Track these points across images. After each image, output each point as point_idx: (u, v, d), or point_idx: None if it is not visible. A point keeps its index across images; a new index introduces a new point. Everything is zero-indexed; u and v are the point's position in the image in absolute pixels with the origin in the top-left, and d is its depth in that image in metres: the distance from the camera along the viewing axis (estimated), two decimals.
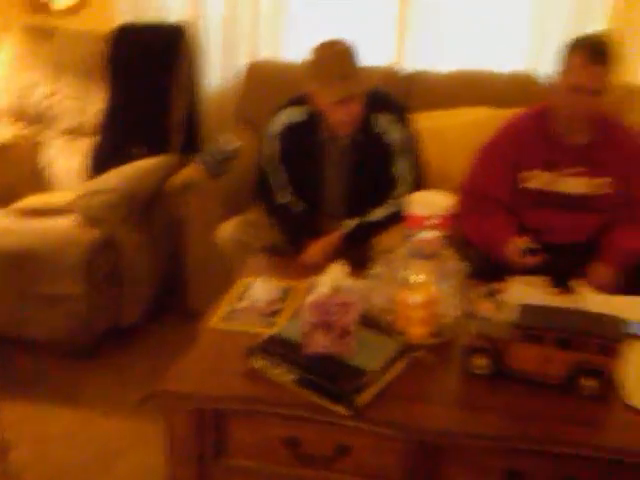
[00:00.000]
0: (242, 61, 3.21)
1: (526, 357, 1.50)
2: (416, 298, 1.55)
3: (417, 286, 1.57)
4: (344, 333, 1.49)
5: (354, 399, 1.39)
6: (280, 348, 1.53)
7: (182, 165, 2.77)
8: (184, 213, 2.62)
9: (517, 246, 2.05)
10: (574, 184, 2.16)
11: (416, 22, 3.10)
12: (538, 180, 2.17)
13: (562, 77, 2.05)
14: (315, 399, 1.43)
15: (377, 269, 1.76)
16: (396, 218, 2.19)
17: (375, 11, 3.16)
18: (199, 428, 1.50)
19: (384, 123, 2.23)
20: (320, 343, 1.49)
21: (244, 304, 1.80)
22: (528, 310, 1.55)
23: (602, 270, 2.09)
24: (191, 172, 2.59)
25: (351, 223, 2.25)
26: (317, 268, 1.93)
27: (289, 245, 2.29)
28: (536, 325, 1.49)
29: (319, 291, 1.50)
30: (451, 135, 2.70)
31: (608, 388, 1.46)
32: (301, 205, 2.35)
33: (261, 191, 2.38)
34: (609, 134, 2.13)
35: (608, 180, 2.15)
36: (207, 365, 1.58)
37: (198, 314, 2.61)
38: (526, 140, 2.16)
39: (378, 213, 2.25)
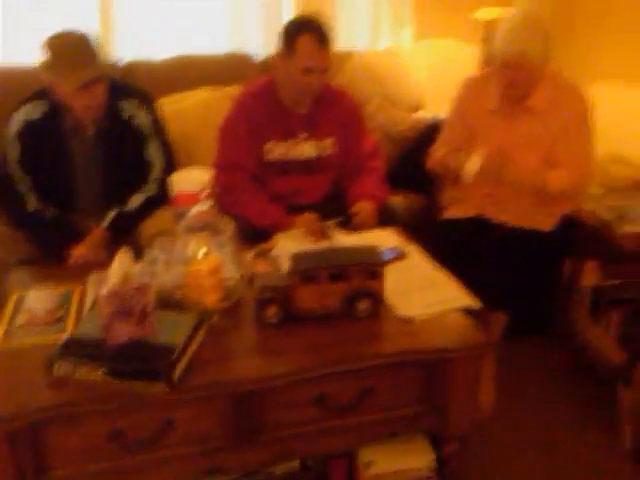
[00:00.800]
0: None
1: (307, 297, 1.68)
2: (203, 268, 1.65)
3: (201, 257, 1.66)
4: (144, 316, 1.54)
5: (171, 374, 1.46)
6: (81, 348, 1.53)
7: None
8: None
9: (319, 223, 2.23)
10: (306, 149, 2.40)
11: (118, 13, 3.10)
12: (277, 151, 2.37)
13: (293, 60, 2.21)
14: (130, 385, 1.47)
15: (154, 252, 1.82)
16: (155, 201, 2.25)
17: (76, 7, 3.08)
18: (13, 451, 1.44)
19: (131, 108, 2.26)
20: (122, 331, 1.52)
21: (22, 319, 1.74)
22: (299, 257, 1.74)
23: (365, 205, 2.35)
24: None
25: (111, 215, 2.25)
26: (90, 267, 1.94)
27: (48, 254, 2.21)
28: (309, 267, 1.69)
29: (111, 281, 1.52)
30: (182, 118, 2.79)
31: (379, 306, 1.72)
32: (52, 210, 2.27)
33: (8, 200, 2.25)
34: (329, 100, 2.39)
35: (332, 141, 2.43)
36: (3, 385, 1.51)
37: None
38: (259, 115, 2.33)
39: (136, 200, 2.28)
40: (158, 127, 2.36)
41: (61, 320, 1.73)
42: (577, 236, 2.41)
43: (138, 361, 1.49)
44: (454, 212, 2.48)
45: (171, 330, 1.57)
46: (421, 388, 1.68)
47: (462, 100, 2.53)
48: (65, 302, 1.81)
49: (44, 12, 3.02)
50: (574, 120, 2.33)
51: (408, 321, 1.70)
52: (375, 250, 1.76)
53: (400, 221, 2.41)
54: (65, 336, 1.60)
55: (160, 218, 2.28)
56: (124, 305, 1.51)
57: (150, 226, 2.23)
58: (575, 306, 2.55)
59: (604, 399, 2.25)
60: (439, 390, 1.67)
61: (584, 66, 3.46)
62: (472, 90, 2.51)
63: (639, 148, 2.90)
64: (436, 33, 3.53)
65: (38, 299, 1.76)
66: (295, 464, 1.76)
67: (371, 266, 1.70)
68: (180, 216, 1.87)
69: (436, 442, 1.78)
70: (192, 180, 1.87)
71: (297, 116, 2.36)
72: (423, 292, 1.83)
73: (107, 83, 2.19)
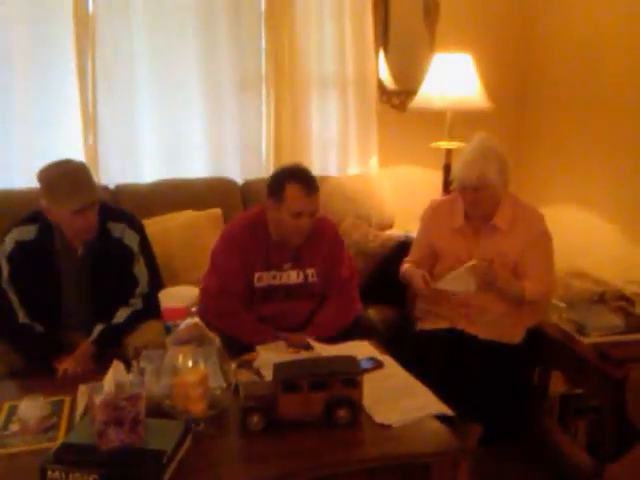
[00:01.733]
0: None
1: (290, 405, 1.79)
2: (190, 379, 1.75)
3: (188, 368, 1.77)
4: (135, 423, 1.62)
5: (160, 478, 1.53)
6: (74, 454, 1.60)
7: None
8: None
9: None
10: (291, 277, 2.53)
11: (101, 145, 3.30)
12: (264, 279, 2.50)
13: (283, 206, 2.37)
14: None
15: (142, 363, 1.92)
16: (140, 315, 2.37)
17: (61, 139, 3.27)
18: None
19: (119, 229, 2.43)
20: (115, 438, 1.60)
21: (14, 427, 1.80)
22: (281, 367, 1.86)
23: (298, 337, 2.41)
24: None
25: (97, 329, 2.34)
26: (79, 379, 2.03)
27: (35, 366, 2.28)
28: (291, 377, 1.80)
29: (105, 391, 1.62)
30: (166, 239, 2.95)
31: (358, 414, 1.82)
32: (39, 326, 2.37)
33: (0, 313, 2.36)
34: (312, 232, 2.49)
35: (314, 270, 2.56)
36: None
37: None
38: (250, 248, 2.47)
39: (122, 314, 2.38)
40: (145, 246, 2.51)
41: (52, 429, 1.80)
42: (542, 347, 2.56)
43: (129, 466, 1.57)
44: (428, 324, 2.62)
45: (160, 437, 1.66)
46: None
47: (428, 221, 2.74)
48: (56, 411, 1.87)
49: (29, 146, 3.20)
50: (536, 237, 2.55)
51: (386, 428, 1.80)
52: (354, 360, 1.88)
53: (376, 332, 2.54)
54: (57, 443, 1.67)
55: (145, 331, 2.38)
56: (117, 413, 1.60)
57: (136, 338, 2.32)
58: (545, 413, 2.66)
59: None
60: None
61: (541, 192, 3.77)
62: (437, 212, 2.72)
63: (595, 263, 3.13)
64: (399, 161, 3.84)
65: (30, 409, 1.82)
66: None
67: (350, 375, 1.82)
68: (168, 329, 1.99)
69: None
70: (179, 296, 2.00)
71: (283, 250, 2.50)
72: (399, 400, 1.94)
73: (97, 208, 2.36)
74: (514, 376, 2.47)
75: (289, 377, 1.80)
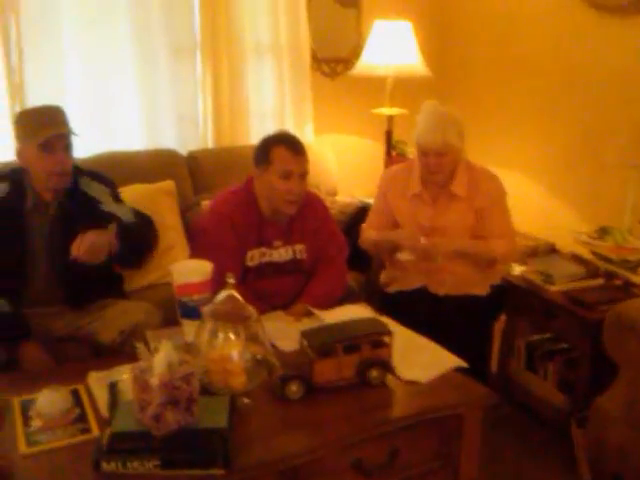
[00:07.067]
0: None
1: (325, 370, 1.80)
2: (230, 351, 1.71)
3: (226, 342, 1.73)
4: (190, 402, 1.56)
5: (227, 457, 1.50)
6: (128, 443, 1.51)
7: None
8: None
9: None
10: (281, 253, 2.48)
11: None
12: (255, 257, 2.43)
13: (271, 169, 2.31)
14: (186, 473, 1.48)
15: (152, 344, 1.83)
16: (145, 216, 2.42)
17: None
18: None
19: (94, 187, 2.34)
20: (172, 420, 1.53)
21: (38, 423, 1.67)
22: (310, 333, 1.86)
23: (298, 306, 2.42)
24: None
25: (112, 226, 2.18)
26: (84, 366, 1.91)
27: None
28: (326, 342, 1.81)
29: (158, 371, 1.54)
30: None
31: (388, 373, 1.86)
32: (3, 302, 2.18)
33: None
34: (302, 209, 2.45)
35: (304, 247, 2.52)
36: None
37: None
38: (241, 226, 2.39)
39: (126, 215, 2.34)
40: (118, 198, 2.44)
41: (80, 420, 1.69)
42: (505, 298, 2.72)
43: (192, 448, 1.52)
44: (399, 286, 2.70)
45: (211, 414, 1.61)
46: (437, 443, 1.83)
47: (385, 189, 2.79)
48: (77, 401, 1.76)
49: None
50: (496, 199, 2.67)
51: (415, 384, 1.87)
52: (378, 322, 1.92)
53: (354, 295, 2.59)
54: (105, 433, 1.56)
55: (127, 312, 2.27)
56: (174, 393, 1.53)
57: (115, 320, 2.22)
58: (513, 360, 2.85)
59: (551, 440, 2.52)
60: (452, 444, 1.84)
61: (476, 157, 3.95)
62: (394, 179, 2.78)
63: (525, 220, 3.36)
64: (334, 129, 3.85)
65: (52, 401, 1.69)
66: None
67: (377, 335, 1.86)
68: (184, 306, 1.93)
69: None
70: (193, 270, 1.93)
71: (274, 224, 2.45)
72: (415, 357, 2.00)
73: (70, 151, 2.24)
74: (477, 325, 2.61)
75: (324, 342, 1.81)
